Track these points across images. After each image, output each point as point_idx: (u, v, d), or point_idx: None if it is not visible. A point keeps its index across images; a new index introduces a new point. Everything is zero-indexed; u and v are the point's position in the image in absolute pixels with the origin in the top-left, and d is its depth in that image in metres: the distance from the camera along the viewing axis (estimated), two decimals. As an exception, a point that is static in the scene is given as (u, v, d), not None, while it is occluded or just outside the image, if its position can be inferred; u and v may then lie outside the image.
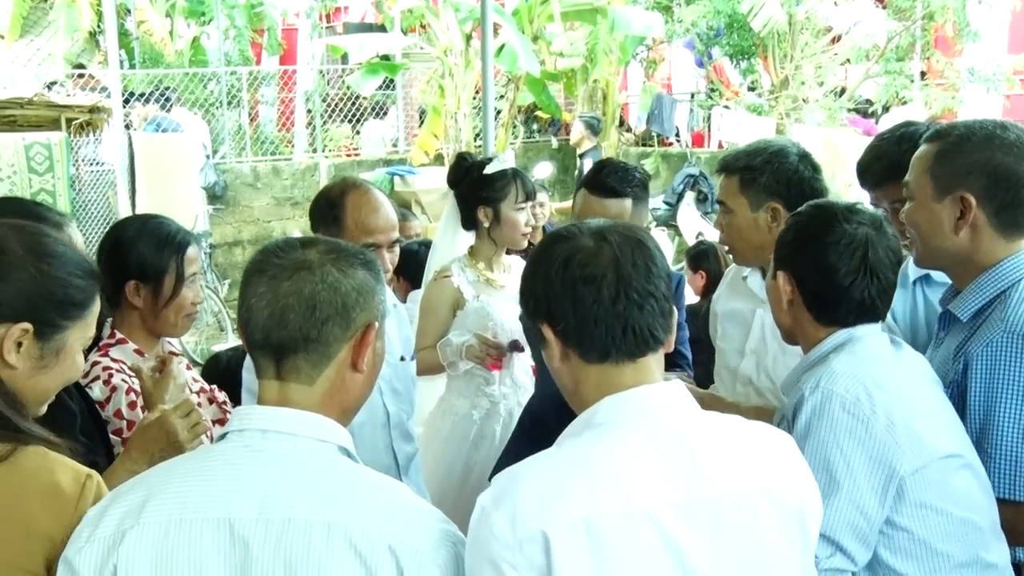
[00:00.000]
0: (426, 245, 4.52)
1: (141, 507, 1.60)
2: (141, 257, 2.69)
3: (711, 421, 1.77)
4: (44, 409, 1.89)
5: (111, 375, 2.63)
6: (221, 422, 2.82)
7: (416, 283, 4.33)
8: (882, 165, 2.94)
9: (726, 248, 3.28)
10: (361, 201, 3.02)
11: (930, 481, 2.11)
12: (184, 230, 2.83)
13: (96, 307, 1.92)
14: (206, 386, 2.93)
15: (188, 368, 2.91)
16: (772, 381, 2.93)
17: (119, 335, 2.74)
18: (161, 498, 1.61)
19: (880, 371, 2.18)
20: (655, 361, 1.75)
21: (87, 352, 2.65)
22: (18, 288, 1.78)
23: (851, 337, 2.25)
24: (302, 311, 1.66)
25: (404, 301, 4.24)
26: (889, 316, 2.86)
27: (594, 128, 11.06)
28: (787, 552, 1.70)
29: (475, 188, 3.81)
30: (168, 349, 2.87)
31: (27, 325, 1.78)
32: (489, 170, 3.80)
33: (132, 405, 2.61)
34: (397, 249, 3.10)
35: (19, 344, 1.79)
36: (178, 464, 1.76)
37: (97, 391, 2.59)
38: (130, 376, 2.62)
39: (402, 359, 3.22)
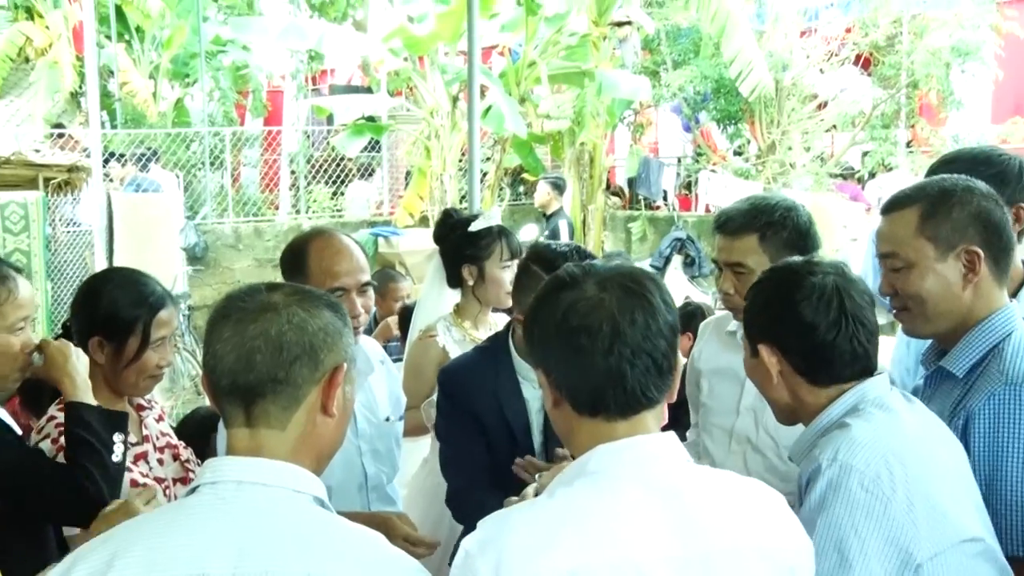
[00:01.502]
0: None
1: (107, 567, 1.51)
2: (109, 313, 2.61)
3: (705, 475, 1.76)
4: None
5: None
6: (183, 480, 2.73)
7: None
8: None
9: (724, 310, 3.10)
10: (324, 246, 2.93)
11: (948, 567, 1.98)
12: (162, 292, 2.73)
13: None
14: (173, 441, 2.85)
15: (159, 420, 2.85)
16: (773, 439, 2.84)
17: None
18: (128, 557, 1.52)
19: (900, 442, 2.04)
20: (651, 416, 1.72)
21: (48, 403, 2.54)
22: None
23: (863, 397, 2.11)
24: (269, 352, 1.62)
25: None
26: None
27: (560, 188, 10.88)
28: None
29: (460, 245, 3.76)
30: (137, 402, 2.79)
31: None
32: (475, 227, 3.75)
33: None
34: (371, 293, 2.97)
35: None
36: (146, 520, 1.68)
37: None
38: None
39: (387, 419, 3.15)
